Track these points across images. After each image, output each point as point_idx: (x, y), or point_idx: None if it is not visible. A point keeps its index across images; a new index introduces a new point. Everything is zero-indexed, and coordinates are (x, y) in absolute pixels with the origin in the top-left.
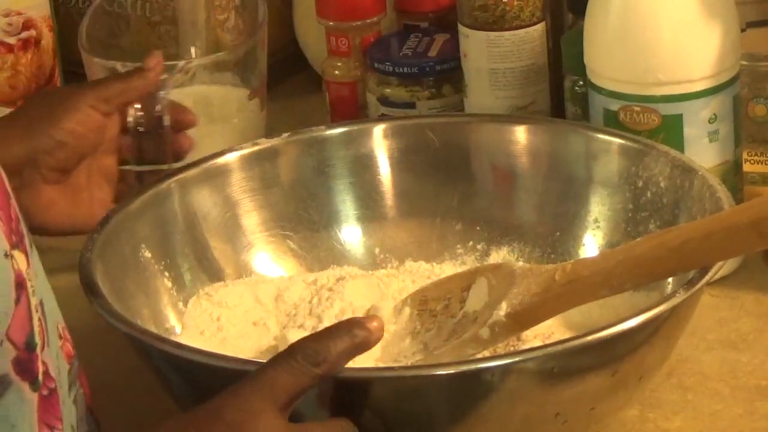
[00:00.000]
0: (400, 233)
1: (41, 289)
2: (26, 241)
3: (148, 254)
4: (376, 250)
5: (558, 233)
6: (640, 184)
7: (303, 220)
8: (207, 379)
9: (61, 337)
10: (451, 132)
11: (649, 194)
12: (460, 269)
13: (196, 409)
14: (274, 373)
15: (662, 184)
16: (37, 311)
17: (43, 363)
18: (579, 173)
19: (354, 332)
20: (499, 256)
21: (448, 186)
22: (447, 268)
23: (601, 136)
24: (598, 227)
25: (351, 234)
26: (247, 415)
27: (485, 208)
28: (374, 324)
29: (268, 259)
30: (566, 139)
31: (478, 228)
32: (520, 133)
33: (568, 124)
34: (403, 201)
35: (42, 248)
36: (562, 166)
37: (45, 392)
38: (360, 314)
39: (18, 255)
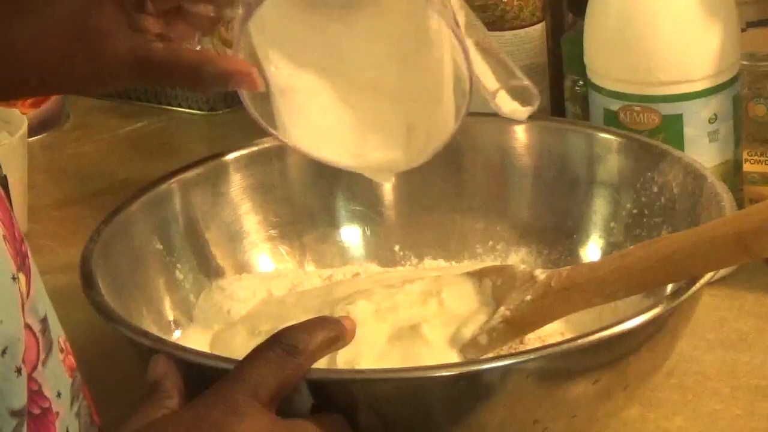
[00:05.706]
0: (420, 231)
1: (45, 305)
2: (28, 260)
3: (159, 246)
4: (396, 248)
5: (575, 236)
6: (656, 189)
7: (323, 216)
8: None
9: (62, 351)
10: (479, 132)
11: (663, 199)
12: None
13: (179, 411)
14: (253, 368)
15: (675, 190)
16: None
17: (35, 382)
18: (595, 177)
19: (330, 326)
20: (518, 257)
21: (470, 184)
22: (466, 267)
23: (622, 140)
24: (613, 231)
25: (369, 231)
26: (230, 415)
27: (505, 208)
28: (347, 322)
29: (280, 258)
30: (581, 142)
31: (498, 228)
32: (522, 133)
33: (586, 127)
34: (423, 199)
35: (39, 249)
36: (578, 170)
37: (37, 411)
38: None
39: (21, 277)
